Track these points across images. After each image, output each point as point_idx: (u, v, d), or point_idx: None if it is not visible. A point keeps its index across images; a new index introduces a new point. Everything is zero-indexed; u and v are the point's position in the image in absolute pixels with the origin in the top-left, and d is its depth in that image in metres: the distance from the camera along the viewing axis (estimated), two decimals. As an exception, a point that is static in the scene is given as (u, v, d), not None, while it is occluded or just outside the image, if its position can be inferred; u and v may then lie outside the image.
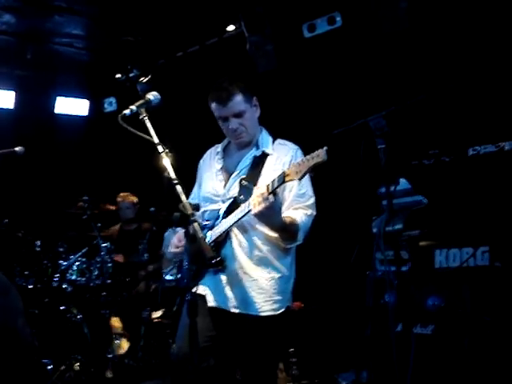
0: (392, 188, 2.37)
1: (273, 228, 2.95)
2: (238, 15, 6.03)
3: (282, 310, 3.05)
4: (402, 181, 2.98)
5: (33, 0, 5.74)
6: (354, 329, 4.61)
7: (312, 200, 3.07)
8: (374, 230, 2.20)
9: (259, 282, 3.01)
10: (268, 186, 2.75)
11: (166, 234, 5.24)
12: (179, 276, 5.03)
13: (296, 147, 3.20)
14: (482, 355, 2.74)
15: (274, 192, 2.73)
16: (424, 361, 3.09)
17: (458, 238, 1.96)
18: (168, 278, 5.23)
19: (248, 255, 3.04)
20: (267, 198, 2.71)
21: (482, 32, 5.04)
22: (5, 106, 7.31)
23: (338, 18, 5.66)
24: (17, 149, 4.01)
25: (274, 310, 3.01)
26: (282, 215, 2.94)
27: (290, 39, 6.09)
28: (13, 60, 7.06)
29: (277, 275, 3.05)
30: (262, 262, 3.03)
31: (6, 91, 7.29)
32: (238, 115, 3.18)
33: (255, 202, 2.74)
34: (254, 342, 3.03)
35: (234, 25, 6.35)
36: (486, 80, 4.48)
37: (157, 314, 5.95)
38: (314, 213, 3.06)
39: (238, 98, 3.16)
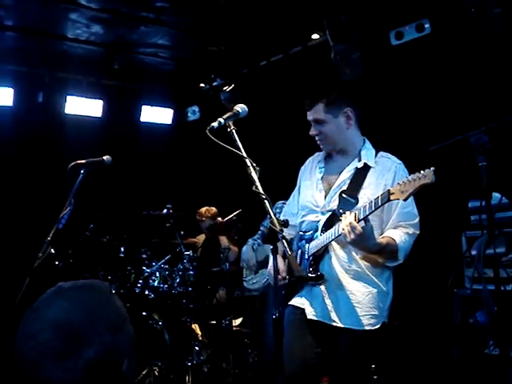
0: (489, 204, 2.24)
1: (369, 251, 2.95)
2: (322, 23, 5.96)
3: (379, 325, 3.02)
4: (495, 195, 2.83)
5: (120, 11, 5.87)
6: (440, 347, 4.46)
7: (416, 219, 3.03)
8: (473, 253, 2.08)
9: (356, 295, 3.00)
10: (356, 213, 2.78)
11: (244, 248, 5.25)
12: (263, 284, 5.05)
13: (399, 162, 3.17)
14: None
15: (364, 219, 2.76)
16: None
17: None
18: (249, 286, 5.26)
19: (346, 269, 3.04)
20: (355, 228, 2.73)
21: None
22: (93, 115, 7.53)
23: (427, 25, 5.49)
24: (105, 158, 4.08)
25: (371, 324, 3.00)
26: (383, 234, 2.97)
27: (376, 47, 5.96)
28: (100, 70, 7.27)
29: (374, 290, 3.02)
30: (360, 277, 3.02)
31: (94, 100, 7.51)
32: (318, 122, 3.25)
33: (345, 232, 2.77)
34: (349, 355, 3.02)
35: (319, 33, 6.30)
36: None
37: (236, 323, 5.95)
38: (417, 232, 3.02)
39: (320, 107, 3.23)
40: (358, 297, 3.00)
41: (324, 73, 6.35)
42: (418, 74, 5.82)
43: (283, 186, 7.05)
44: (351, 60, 5.90)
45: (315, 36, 6.37)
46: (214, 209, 6.77)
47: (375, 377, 5.02)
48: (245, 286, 5.27)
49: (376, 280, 3.03)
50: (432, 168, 2.45)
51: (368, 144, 3.31)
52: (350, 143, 3.26)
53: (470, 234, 4.21)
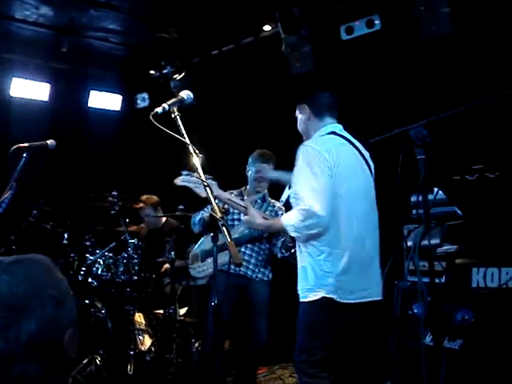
0: (428, 198, 2.29)
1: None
2: (274, 15, 5.97)
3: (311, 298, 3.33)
4: (436, 190, 2.91)
5: (70, -7, 5.77)
6: (380, 339, 4.52)
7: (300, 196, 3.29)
8: (410, 244, 2.12)
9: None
10: None
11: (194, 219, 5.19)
12: (210, 272, 5.04)
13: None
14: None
15: None
16: (450, 377, 3.01)
17: (498, 258, 1.87)
18: (196, 274, 5.23)
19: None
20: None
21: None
22: (39, 98, 7.36)
23: (377, 21, 5.56)
24: (48, 142, 3.99)
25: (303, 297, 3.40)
26: None
27: (327, 41, 6.01)
28: (48, 52, 7.11)
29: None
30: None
31: (41, 83, 7.33)
32: None
33: None
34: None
35: (271, 25, 6.31)
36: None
37: (181, 312, 5.93)
38: (306, 206, 3.22)
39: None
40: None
41: (275, 65, 6.37)
42: (367, 69, 5.90)
43: (233, 174, 7.07)
44: (302, 53, 5.94)
45: (267, 27, 6.38)
46: (155, 197, 6.66)
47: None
48: (191, 274, 5.23)
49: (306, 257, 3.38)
50: None
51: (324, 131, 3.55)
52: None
53: (410, 227, 4.27)
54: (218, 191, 3.67)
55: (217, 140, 7.18)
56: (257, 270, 4.95)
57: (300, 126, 3.68)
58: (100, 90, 7.90)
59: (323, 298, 3.25)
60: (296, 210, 3.26)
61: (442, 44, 5.26)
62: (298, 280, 3.44)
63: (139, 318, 5.80)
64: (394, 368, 4.07)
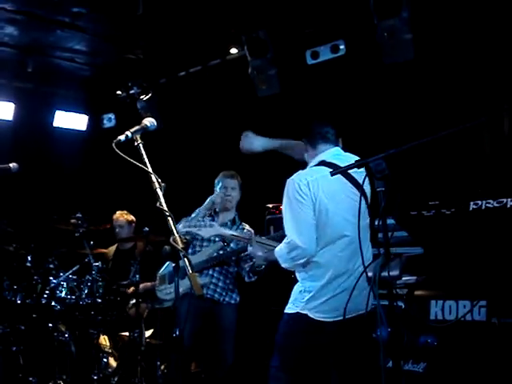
0: (386, 227, 2.33)
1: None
2: (240, 38, 6.02)
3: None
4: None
5: (36, 14, 5.73)
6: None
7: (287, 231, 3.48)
8: (370, 274, 2.15)
9: None
10: None
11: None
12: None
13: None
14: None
15: None
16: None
17: (455, 290, 1.91)
18: (163, 296, 5.20)
19: None
20: None
21: (492, 69, 5.04)
22: (4, 118, 7.28)
23: (342, 46, 5.64)
24: (11, 165, 3.96)
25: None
26: None
27: (292, 65, 6.07)
28: (13, 72, 7.05)
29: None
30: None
31: (5, 103, 7.26)
32: None
33: None
34: None
35: (237, 48, 6.36)
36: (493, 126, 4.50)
37: (146, 335, 5.87)
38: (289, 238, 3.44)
39: None
40: None
41: (241, 87, 6.41)
42: (332, 94, 5.97)
43: (197, 198, 7.06)
44: (268, 76, 5.98)
45: (234, 50, 6.42)
46: (132, 216, 6.65)
47: None
48: (158, 296, 5.20)
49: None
50: None
51: None
52: None
53: (374, 251, 4.31)
54: (220, 230, 3.98)
55: (182, 162, 7.17)
56: (224, 293, 4.95)
57: (306, 159, 3.82)
58: (66, 110, 7.85)
59: (298, 313, 3.48)
60: (283, 243, 3.50)
61: (404, 70, 5.37)
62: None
63: (104, 340, 5.73)
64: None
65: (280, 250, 3.54)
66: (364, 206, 3.59)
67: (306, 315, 3.45)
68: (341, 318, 3.37)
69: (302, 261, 3.45)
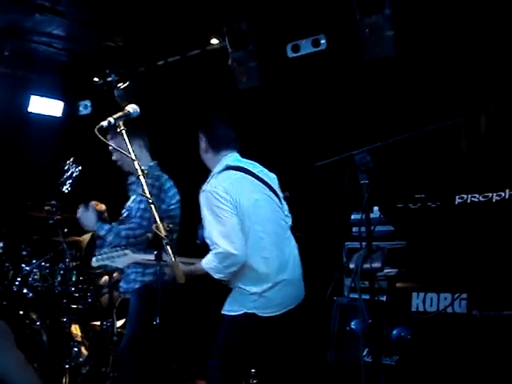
0: (369, 220, 2.34)
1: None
2: (221, 29, 5.99)
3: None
4: (375, 208, 3.02)
5: (15, -4, 5.63)
6: (317, 354, 4.58)
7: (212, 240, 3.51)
8: (352, 266, 2.17)
9: None
10: None
11: None
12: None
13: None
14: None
15: None
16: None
17: (437, 283, 1.94)
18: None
19: None
20: None
21: (473, 66, 5.10)
22: (-22, 102, 7.15)
23: (323, 41, 5.65)
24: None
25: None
26: None
27: (273, 58, 6.07)
28: (-11, 55, 6.92)
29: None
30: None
31: (-21, 86, 7.13)
32: None
33: None
34: None
35: (218, 38, 6.32)
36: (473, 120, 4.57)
37: (118, 324, 5.84)
38: (219, 248, 3.47)
39: None
40: None
41: (221, 78, 6.39)
42: (312, 88, 5.98)
43: (178, 186, 7.02)
44: (248, 68, 5.96)
45: (214, 41, 6.38)
46: (103, 205, 6.57)
47: (255, 381, 5.10)
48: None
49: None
50: None
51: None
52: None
53: (350, 245, 4.35)
54: (135, 258, 3.82)
55: (159, 151, 7.12)
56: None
57: (202, 156, 3.92)
58: (41, 96, 7.72)
59: (245, 313, 3.58)
60: (212, 255, 3.51)
61: (386, 66, 5.40)
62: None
63: (75, 329, 5.69)
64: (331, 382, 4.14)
65: (209, 261, 3.53)
66: (276, 203, 3.79)
67: (253, 314, 3.56)
68: (284, 310, 3.60)
69: (235, 268, 3.51)
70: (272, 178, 3.92)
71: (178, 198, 4.50)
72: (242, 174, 3.72)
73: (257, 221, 3.59)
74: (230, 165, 3.72)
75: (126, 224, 4.09)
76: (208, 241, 3.58)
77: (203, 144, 3.86)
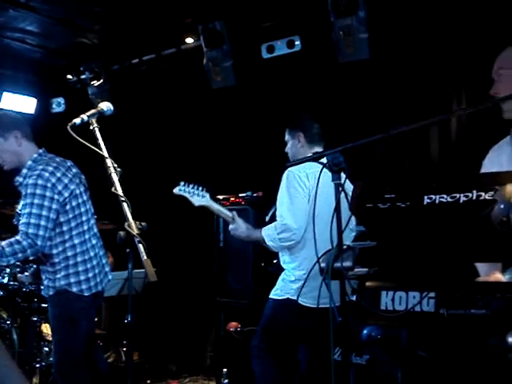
0: (340, 219, 2.37)
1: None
2: (196, 28, 5.99)
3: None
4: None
5: (-13, -9, 5.57)
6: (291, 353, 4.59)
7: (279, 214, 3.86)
8: (323, 265, 2.20)
9: None
10: None
11: None
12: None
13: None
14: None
15: None
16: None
17: (406, 282, 1.97)
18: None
19: None
20: None
21: (446, 69, 5.16)
22: None
23: (298, 42, 5.68)
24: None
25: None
26: None
27: (248, 58, 6.08)
28: (-40, 51, 6.83)
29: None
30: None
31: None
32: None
33: None
34: None
35: (193, 38, 6.31)
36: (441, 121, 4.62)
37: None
38: (282, 220, 3.81)
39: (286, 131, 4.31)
40: None
41: (196, 77, 6.38)
42: (287, 89, 6.01)
43: (147, 185, 7.01)
44: (223, 68, 5.96)
45: (189, 40, 6.38)
46: None
47: (226, 381, 5.13)
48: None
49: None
50: None
51: None
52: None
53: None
54: (209, 203, 4.21)
55: (134, 150, 7.10)
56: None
57: (291, 150, 4.23)
58: (14, 92, 7.63)
59: (288, 299, 3.86)
60: (275, 224, 3.87)
61: (360, 68, 5.44)
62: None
63: (46, 329, 5.63)
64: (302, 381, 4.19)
65: (269, 229, 3.89)
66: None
67: (295, 301, 3.71)
68: (323, 306, 3.59)
69: (288, 243, 3.82)
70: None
71: (78, 180, 4.16)
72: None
73: (323, 214, 3.62)
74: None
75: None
76: (277, 217, 3.90)
77: (297, 139, 4.19)
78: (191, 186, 4.12)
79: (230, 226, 4.26)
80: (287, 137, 4.29)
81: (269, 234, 3.88)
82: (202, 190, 4.16)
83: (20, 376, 1.45)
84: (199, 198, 4.16)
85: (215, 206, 4.27)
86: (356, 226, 3.91)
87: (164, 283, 4.48)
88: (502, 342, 1.82)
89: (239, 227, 4.19)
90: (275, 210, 4.16)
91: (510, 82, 2.59)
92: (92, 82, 7.04)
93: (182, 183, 4.14)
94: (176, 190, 4.14)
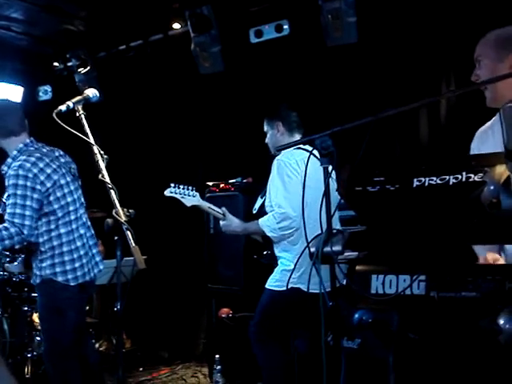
0: (329, 203, 2.35)
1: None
2: (183, 13, 5.93)
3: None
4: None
5: (-30, -22, 5.49)
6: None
7: (273, 203, 3.91)
8: (312, 250, 2.18)
9: None
10: None
11: None
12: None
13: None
14: (406, 373, 2.75)
15: None
16: (350, 375, 3.10)
17: (396, 265, 1.96)
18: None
19: None
20: None
21: (435, 52, 5.15)
22: None
23: (286, 26, 5.64)
24: None
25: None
26: None
27: (236, 43, 6.03)
28: None
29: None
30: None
31: None
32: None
33: None
34: None
35: (180, 23, 6.25)
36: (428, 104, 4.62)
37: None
38: (280, 210, 3.85)
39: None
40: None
41: (184, 63, 6.33)
42: (276, 73, 5.98)
43: (135, 173, 6.97)
44: (211, 53, 5.91)
45: (177, 25, 6.31)
46: None
47: (219, 367, 5.13)
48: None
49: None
50: None
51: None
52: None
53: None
54: (200, 202, 4.21)
55: (122, 137, 7.06)
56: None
57: (271, 140, 4.29)
58: (0, 81, 7.55)
59: (291, 287, 3.84)
60: (272, 214, 3.89)
61: (348, 52, 5.41)
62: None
63: (37, 318, 5.61)
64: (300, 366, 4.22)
65: (268, 219, 3.91)
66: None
67: (298, 289, 3.83)
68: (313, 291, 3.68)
69: (288, 231, 3.86)
70: None
71: (65, 169, 4.11)
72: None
73: (313, 200, 3.66)
74: (300, 146, 3.97)
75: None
76: (268, 208, 3.97)
77: (276, 129, 4.25)
78: (181, 186, 4.11)
79: (222, 223, 4.26)
80: (266, 127, 4.34)
81: (268, 225, 3.91)
82: (192, 190, 4.16)
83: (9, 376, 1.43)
84: (190, 197, 4.16)
85: (206, 205, 4.28)
86: (345, 211, 3.92)
87: (155, 270, 4.48)
88: (493, 324, 1.81)
89: (232, 222, 4.21)
90: (263, 202, 4.20)
91: (487, 69, 2.61)
92: (79, 70, 6.98)
93: (173, 185, 4.13)
94: (167, 193, 4.12)
